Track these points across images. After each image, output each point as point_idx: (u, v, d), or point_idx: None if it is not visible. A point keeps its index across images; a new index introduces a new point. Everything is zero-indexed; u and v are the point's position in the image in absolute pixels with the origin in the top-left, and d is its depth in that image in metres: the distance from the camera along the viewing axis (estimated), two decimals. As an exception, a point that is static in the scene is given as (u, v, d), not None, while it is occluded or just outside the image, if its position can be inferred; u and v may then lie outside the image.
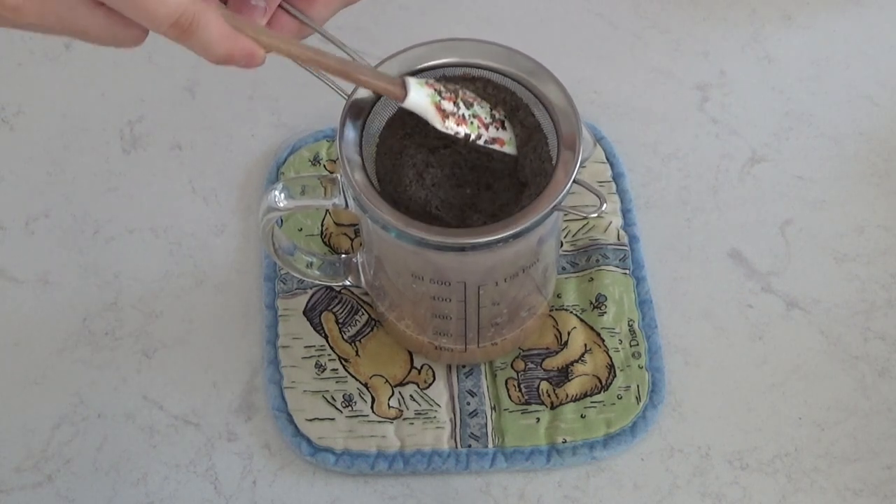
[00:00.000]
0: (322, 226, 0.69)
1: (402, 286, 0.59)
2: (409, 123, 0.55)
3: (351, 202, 0.55)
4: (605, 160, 0.71)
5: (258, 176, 0.72)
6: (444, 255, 0.54)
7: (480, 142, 0.53)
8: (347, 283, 0.64)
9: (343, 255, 0.66)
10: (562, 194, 0.52)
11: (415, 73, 0.55)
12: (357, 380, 0.64)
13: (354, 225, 0.69)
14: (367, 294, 0.66)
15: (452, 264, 0.56)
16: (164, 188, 0.72)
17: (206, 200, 0.71)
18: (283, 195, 0.56)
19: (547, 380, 0.64)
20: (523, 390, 0.63)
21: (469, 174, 0.55)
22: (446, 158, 0.55)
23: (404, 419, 0.63)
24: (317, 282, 0.65)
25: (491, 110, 0.54)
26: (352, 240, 0.68)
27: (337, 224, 0.69)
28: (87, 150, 0.73)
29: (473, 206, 0.54)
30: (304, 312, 0.66)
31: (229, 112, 0.75)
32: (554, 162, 0.54)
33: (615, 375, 0.64)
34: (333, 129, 0.72)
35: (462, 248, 0.52)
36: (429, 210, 0.54)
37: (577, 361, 0.64)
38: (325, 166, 0.71)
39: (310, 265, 0.63)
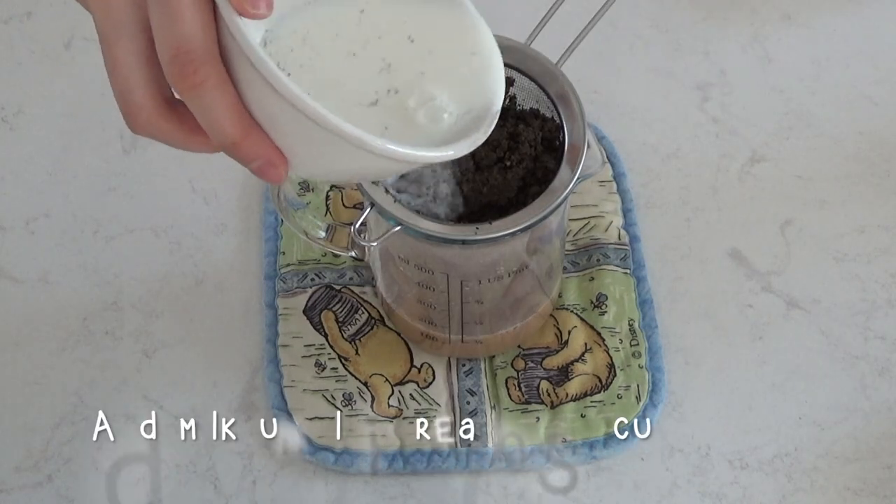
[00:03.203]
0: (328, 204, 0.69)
1: (392, 269, 0.60)
2: None
3: None
4: (606, 160, 0.71)
5: (258, 176, 0.72)
6: (429, 243, 0.54)
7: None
8: (352, 254, 0.63)
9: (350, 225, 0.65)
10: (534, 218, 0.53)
11: None
12: (357, 378, 0.64)
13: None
14: (367, 293, 0.66)
15: (437, 253, 0.56)
16: (164, 188, 0.72)
17: (206, 200, 0.71)
18: None
19: (547, 379, 0.64)
20: (523, 389, 0.63)
21: (473, 175, 0.55)
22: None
23: (404, 418, 0.63)
24: (320, 245, 0.62)
25: None
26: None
27: (346, 207, 0.69)
28: (87, 150, 0.73)
29: (473, 203, 0.54)
30: (304, 311, 0.66)
31: (229, 112, 0.75)
32: (554, 165, 0.55)
33: (615, 375, 0.64)
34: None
35: (444, 241, 0.53)
36: (429, 205, 0.54)
37: (577, 361, 0.64)
38: None
39: (315, 226, 0.62)
